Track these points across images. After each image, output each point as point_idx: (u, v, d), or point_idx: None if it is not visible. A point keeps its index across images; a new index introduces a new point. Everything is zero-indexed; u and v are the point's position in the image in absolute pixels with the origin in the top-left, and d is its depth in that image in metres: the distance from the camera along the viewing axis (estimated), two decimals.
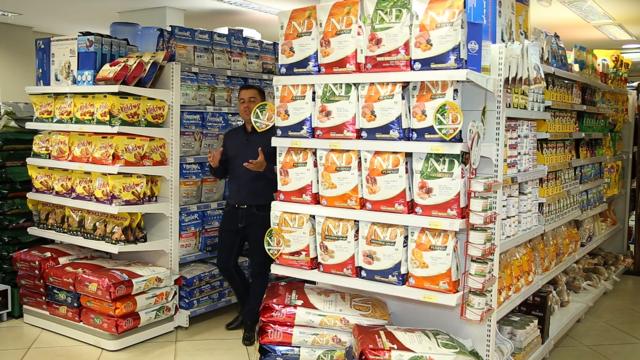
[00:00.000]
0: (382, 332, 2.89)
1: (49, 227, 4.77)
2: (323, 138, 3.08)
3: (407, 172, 2.88)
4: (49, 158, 4.65)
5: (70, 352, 4.20)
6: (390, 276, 2.91)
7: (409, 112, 2.87)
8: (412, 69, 2.80)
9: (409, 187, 2.89)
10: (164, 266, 4.52)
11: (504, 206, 3.20)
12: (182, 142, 4.64)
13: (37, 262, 4.57)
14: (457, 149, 2.70)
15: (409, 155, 2.89)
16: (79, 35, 4.44)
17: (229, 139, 4.49)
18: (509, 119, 3.19)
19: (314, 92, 3.11)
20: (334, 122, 3.03)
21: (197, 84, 4.79)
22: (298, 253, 3.18)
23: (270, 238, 3.23)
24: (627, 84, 6.62)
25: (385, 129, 2.88)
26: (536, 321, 3.81)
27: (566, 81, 4.33)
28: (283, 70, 3.21)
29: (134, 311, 4.26)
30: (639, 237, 6.61)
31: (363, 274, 2.99)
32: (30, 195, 4.82)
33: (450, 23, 2.67)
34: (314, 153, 3.15)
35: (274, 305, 3.12)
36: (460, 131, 2.70)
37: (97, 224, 4.41)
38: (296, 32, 3.14)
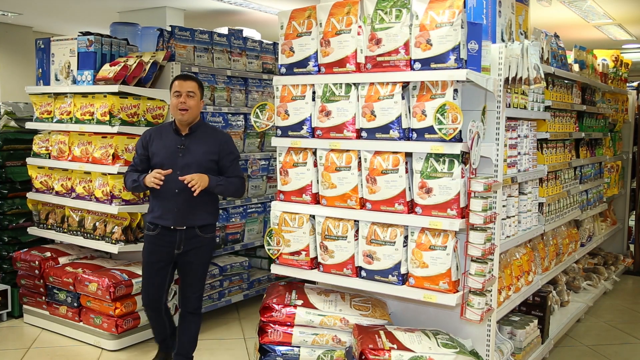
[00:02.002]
0: (382, 332, 2.89)
1: (49, 227, 4.77)
2: (323, 138, 3.08)
3: (407, 172, 2.88)
4: (49, 158, 4.65)
5: (70, 352, 4.20)
6: (390, 276, 2.91)
7: (409, 112, 2.87)
8: (412, 68, 2.80)
9: (409, 187, 2.89)
10: None
11: (503, 206, 3.20)
12: None
13: (37, 262, 4.57)
14: (457, 148, 2.70)
15: (409, 155, 2.89)
16: (78, 35, 4.44)
17: (154, 142, 3.57)
18: (509, 118, 3.19)
19: (314, 92, 3.11)
20: (334, 122, 3.03)
21: None
22: (298, 253, 3.18)
23: (270, 238, 3.23)
24: (627, 84, 6.63)
25: (385, 128, 2.88)
26: (536, 321, 3.81)
27: (566, 81, 4.33)
28: (283, 70, 3.21)
29: (133, 311, 4.26)
30: (639, 237, 6.61)
31: (363, 273, 2.99)
32: (30, 195, 4.82)
33: (450, 23, 2.67)
34: (314, 153, 3.15)
35: (273, 305, 3.12)
36: (460, 131, 2.70)
37: (97, 223, 4.41)
38: (296, 32, 3.14)
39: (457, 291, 2.78)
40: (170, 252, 3.53)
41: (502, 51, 2.88)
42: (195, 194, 3.35)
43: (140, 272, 4.24)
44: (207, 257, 3.63)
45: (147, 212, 3.65)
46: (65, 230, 4.63)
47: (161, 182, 3.37)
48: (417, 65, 2.78)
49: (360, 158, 2.98)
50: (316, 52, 3.09)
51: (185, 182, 3.33)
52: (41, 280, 4.57)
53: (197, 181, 3.34)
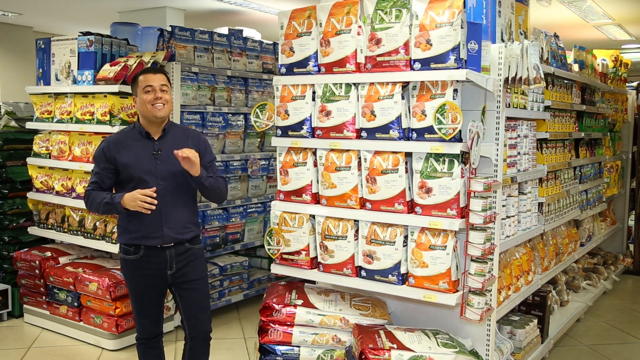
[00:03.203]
0: (382, 332, 2.90)
1: (49, 226, 4.77)
2: (323, 138, 3.08)
3: (407, 171, 2.88)
4: (50, 158, 4.66)
5: (70, 352, 4.20)
6: (390, 276, 2.91)
7: (409, 112, 2.87)
8: (412, 68, 2.80)
9: (409, 187, 2.90)
10: None
11: (503, 206, 3.20)
12: None
13: (37, 262, 4.58)
14: (456, 148, 2.70)
15: (408, 155, 2.89)
16: (79, 35, 4.45)
17: (121, 152, 2.99)
18: (508, 118, 3.20)
19: (314, 92, 3.12)
20: (333, 122, 3.03)
21: (197, 84, 4.79)
22: (298, 253, 3.18)
23: (270, 238, 3.24)
24: (627, 84, 6.63)
25: (385, 128, 2.89)
26: (536, 321, 3.81)
27: (566, 81, 4.33)
28: (283, 70, 3.21)
29: None
30: (639, 236, 6.61)
31: (363, 273, 3.00)
32: (30, 195, 4.82)
33: (450, 23, 2.67)
34: (314, 153, 3.15)
35: (273, 304, 3.13)
36: (460, 131, 2.70)
37: (98, 223, 4.42)
38: (296, 32, 3.14)
39: (457, 291, 2.78)
40: (162, 275, 3.01)
41: (501, 51, 2.88)
42: (182, 163, 2.87)
43: None
44: (204, 270, 3.20)
45: (120, 233, 3.06)
46: (65, 230, 4.63)
47: (153, 206, 2.86)
48: (417, 65, 2.78)
49: (360, 158, 2.99)
50: (316, 52, 3.09)
51: (181, 154, 2.84)
52: (41, 280, 4.57)
53: (188, 158, 2.85)
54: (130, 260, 3.02)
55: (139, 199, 2.85)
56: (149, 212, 2.87)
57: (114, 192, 3.04)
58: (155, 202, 2.86)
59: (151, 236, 2.97)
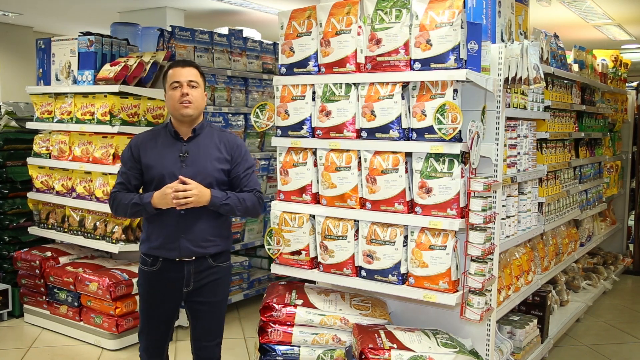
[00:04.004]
0: (382, 332, 2.90)
1: (50, 226, 4.78)
2: (323, 138, 3.09)
3: (407, 171, 2.88)
4: (50, 158, 4.66)
5: (70, 352, 4.20)
6: (390, 276, 2.91)
7: (409, 112, 2.87)
8: (412, 69, 2.80)
9: (409, 187, 2.90)
10: None
11: (503, 206, 3.21)
12: None
13: (37, 262, 4.58)
14: (456, 148, 2.70)
15: (408, 155, 2.89)
16: (79, 35, 4.45)
17: (148, 151, 2.78)
18: (508, 118, 3.20)
19: (314, 92, 3.12)
20: (333, 122, 3.03)
21: None
22: (298, 252, 3.19)
23: (270, 238, 3.24)
24: (627, 84, 6.63)
25: (385, 128, 2.89)
26: (536, 320, 3.82)
27: (566, 81, 4.33)
28: (283, 70, 3.22)
29: (134, 311, 4.27)
30: (638, 236, 6.62)
31: (363, 273, 3.00)
32: (30, 195, 4.82)
33: (450, 23, 2.68)
34: (314, 153, 3.15)
35: (273, 304, 3.13)
36: (460, 131, 2.70)
37: (98, 223, 4.42)
38: (296, 32, 3.14)
39: (457, 291, 2.79)
40: (177, 292, 2.77)
41: (501, 51, 2.88)
42: (177, 207, 2.63)
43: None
44: (225, 292, 2.90)
45: (141, 241, 2.85)
46: (65, 230, 4.64)
47: (190, 199, 2.60)
48: (417, 65, 2.78)
49: (360, 158, 2.99)
50: (316, 52, 3.10)
51: (179, 189, 2.59)
52: (42, 280, 4.58)
53: (191, 192, 2.60)
54: (147, 272, 2.78)
55: (169, 195, 2.58)
56: (184, 208, 2.61)
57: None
58: (191, 190, 2.59)
59: (168, 247, 2.71)
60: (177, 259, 2.73)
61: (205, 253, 2.75)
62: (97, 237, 4.41)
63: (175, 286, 2.76)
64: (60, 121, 4.55)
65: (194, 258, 2.74)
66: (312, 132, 3.13)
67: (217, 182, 2.77)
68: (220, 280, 2.82)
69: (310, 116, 3.12)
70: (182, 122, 2.78)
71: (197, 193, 2.62)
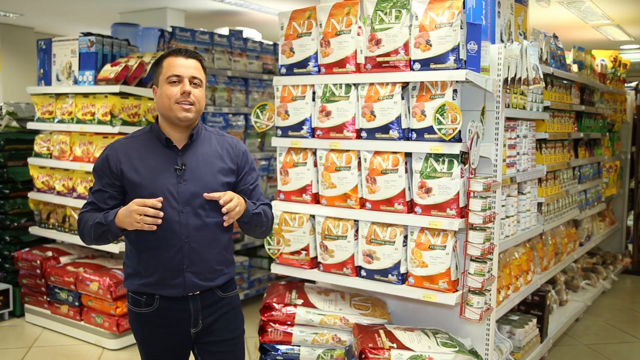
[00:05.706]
0: (381, 331, 2.91)
1: (50, 226, 4.79)
2: (323, 138, 3.10)
3: (406, 172, 2.89)
4: (51, 158, 4.67)
5: (71, 351, 4.21)
6: (389, 275, 2.92)
7: (409, 112, 2.88)
8: (412, 69, 2.81)
9: (409, 187, 2.91)
10: None
11: (503, 206, 3.22)
12: None
13: (38, 262, 4.59)
14: (456, 149, 2.71)
15: (408, 155, 2.90)
16: (80, 36, 4.46)
17: (133, 162, 2.19)
18: (508, 119, 3.21)
19: (314, 92, 3.13)
20: (333, 122, 3.04)
21: None
22: (298, 252, 3.20)
23: (270, 238, 3.25)
24: (626, 84, 6.64)
25: (384, 129, 2.90)
26: (535, 320, 3.83)
27: (565, 81, 4.34)
28: (283, 70, 3.23)
29: None
30: (638, 236, 6.63)
31: (363, 273, 3.01)
32: (31, 195, 4.83)
33: (449, 23, 2.69)
34: (314, 153, 3.16)
35: (274, 304, 3.14)
36: (460, 131, 2.71)
37: None
38: (296, 33, 3.15)
39: (457, 290, 2.80)
40: (184, 335, 2.26)
41: (501, 52, 2.89)
42: (225, 224, 2.18)
43: None
44: (241, 323, 2.42)
45: (127, 276, 2.28)
46: (66, 230, 4.64)
47: (159, 220, 2.06)
48: (417, 65, 2.79)
49: (360, 158, 3.00)
50: (316, 52, 3.11)
51: (223, 205, 2.11)
52: (42, 280, 4.59)
53: (232, 208, 2.12)
54: (142, 314, 2.24)
55: (135, 212, 2.02)
56: (154, 228, 2.06)
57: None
58: (161, 214, 2.05)
59: (169, 283, 2.19)
60: (183, 296, 2.23)
61: (213, 285, 2.27)
62: None
63: (180, 328, 2.25)
64: (61, 121, 4.56)
65: (198, 292, 2.25)
66: (312, 132, 3.14)
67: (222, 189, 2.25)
68: (233, 311, 2.36)
69: (310, 116, 3.13)
70: (176, 126, 2.22)
71: (237, 202, 2.14)
